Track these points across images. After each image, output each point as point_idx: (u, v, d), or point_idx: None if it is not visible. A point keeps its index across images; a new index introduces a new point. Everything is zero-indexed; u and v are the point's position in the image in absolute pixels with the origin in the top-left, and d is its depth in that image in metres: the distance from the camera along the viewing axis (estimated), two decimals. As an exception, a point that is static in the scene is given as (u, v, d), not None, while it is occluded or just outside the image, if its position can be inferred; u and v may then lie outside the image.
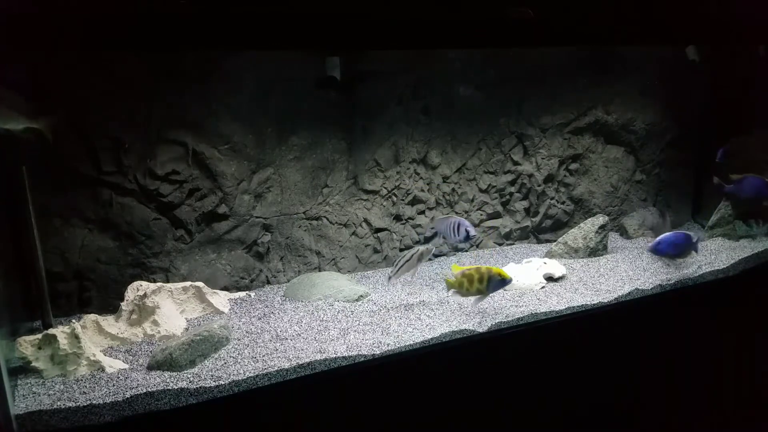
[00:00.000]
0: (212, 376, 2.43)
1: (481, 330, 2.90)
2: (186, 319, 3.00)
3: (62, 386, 2.34)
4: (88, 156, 2.96)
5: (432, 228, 3.73)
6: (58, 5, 2.25)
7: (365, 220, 3.76)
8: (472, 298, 2.99)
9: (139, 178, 3.08)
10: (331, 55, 3.41)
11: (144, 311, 2.85)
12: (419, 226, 3.93)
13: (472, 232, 3.29)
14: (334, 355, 2.60)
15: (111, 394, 2.27)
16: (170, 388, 2.32)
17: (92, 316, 2.79)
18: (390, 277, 3.20)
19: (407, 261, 3.15)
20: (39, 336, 2.46)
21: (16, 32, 2.22)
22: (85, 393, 2.29)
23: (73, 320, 2.74)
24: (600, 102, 4.33)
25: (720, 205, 4.21)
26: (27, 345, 2.45)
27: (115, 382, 2.37)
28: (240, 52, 3.18)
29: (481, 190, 4.10)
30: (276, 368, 2.49)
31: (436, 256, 4.01)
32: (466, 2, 2.99)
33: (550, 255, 3.93)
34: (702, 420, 3.55)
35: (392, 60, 3.64)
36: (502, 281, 2.91)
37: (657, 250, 3.57)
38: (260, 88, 3.31)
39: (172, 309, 2.96)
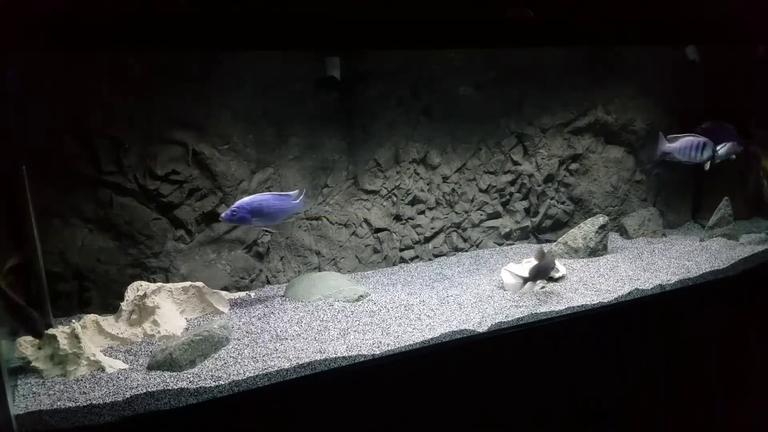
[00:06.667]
0: (212, 376, 2.43)
1: (481, 330, 2.90)
2: (186, 319, 3.00)
3: (62, 386, 2.34)
4: (88, 156, 2.97)
5: (663, 151, 3.85)
6: (58, 5, 2.25)
7: (365, 220, 3.76)
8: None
9: (139, 178, 3.08)
10: (331, 55, 3.41)
11: (144, 311, 2.85)
12: (419, 226, 3.93)
13: (723, 149, 3.41)
14: (334, 355, 2.60)
15: (111, 394, 2.27)
16: (170, 388, 2.31)
17: (92, 316, 2.79)
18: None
19: None
20: (39, 336, 2.46)
21: (17, 31, 2.22)
22: (85, 393, 2.28)
23: (73, 320, 2.73)
24: (600, 102, 4.32)
25: (720, 205, 4.21)
26: (27, 345, 2.44)
27: (115, 382, 2.37)
28: (240, 52, 3.18)
29: (481, 190, 4.10)
30: (276, 368, 2.49)
31: (436, 256, 4.01)
32: (466, 2, 3.00)
33: (550, 255, 3.93)
34: (702, 420, 3.55)
35: (392, 60, 3.64)
36: None
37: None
38: (260, 88, 3.31)
39: (172, 309, 2.96)
